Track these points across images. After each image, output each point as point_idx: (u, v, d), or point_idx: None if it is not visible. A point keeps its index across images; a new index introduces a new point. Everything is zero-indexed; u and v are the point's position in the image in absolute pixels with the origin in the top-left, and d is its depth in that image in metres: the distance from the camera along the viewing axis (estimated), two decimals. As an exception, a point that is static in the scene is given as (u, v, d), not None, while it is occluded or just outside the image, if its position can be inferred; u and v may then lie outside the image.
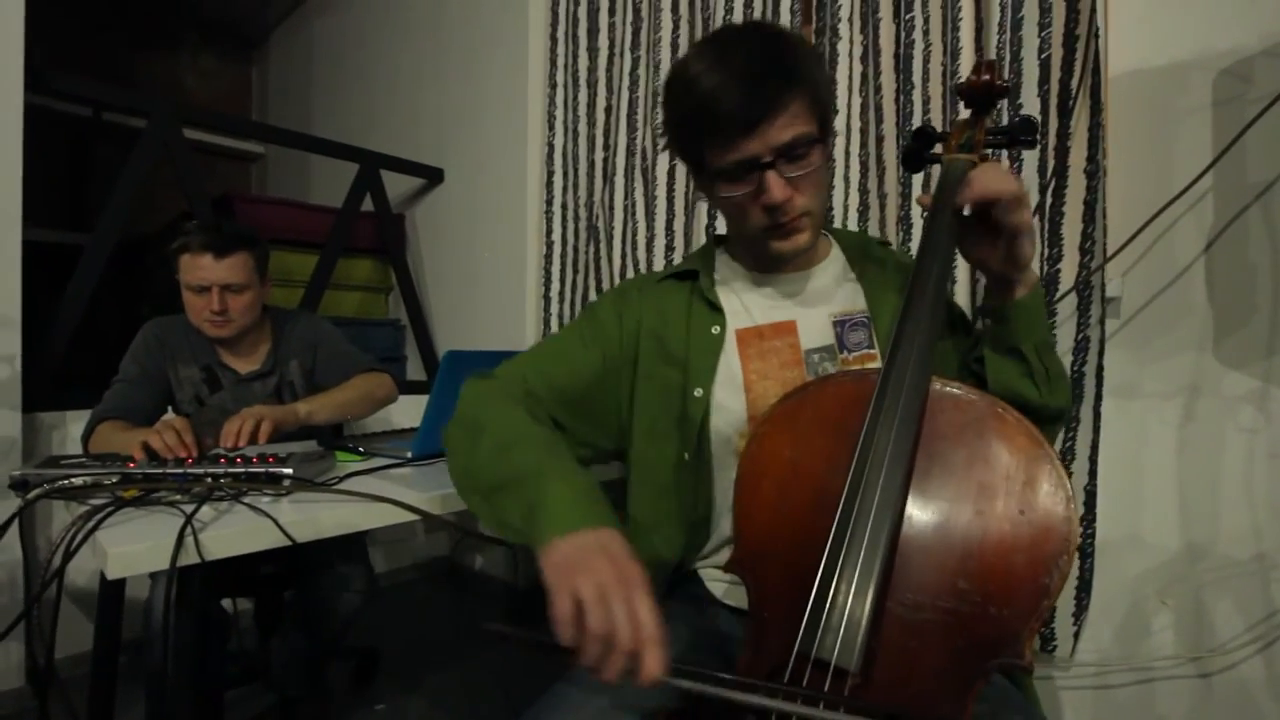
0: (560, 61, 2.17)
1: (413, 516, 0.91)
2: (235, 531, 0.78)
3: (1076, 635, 1.37)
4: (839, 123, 1.54)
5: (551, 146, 2.20)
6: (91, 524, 0.75)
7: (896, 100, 1.49)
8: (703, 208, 1.78)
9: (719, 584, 0.81)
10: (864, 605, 0.56)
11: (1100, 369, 1.30)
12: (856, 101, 1.54)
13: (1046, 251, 1.31)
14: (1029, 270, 0.73)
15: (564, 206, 2.19)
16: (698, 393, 0.80)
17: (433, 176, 2.68)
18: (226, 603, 1.37)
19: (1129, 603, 1.36)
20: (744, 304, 0.85)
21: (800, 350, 0.81)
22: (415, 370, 2.73)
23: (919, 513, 0.61)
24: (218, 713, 1.40)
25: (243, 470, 0.92)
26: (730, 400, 0.80)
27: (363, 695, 1.72)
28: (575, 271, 2.18)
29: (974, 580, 0.57)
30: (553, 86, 2.19)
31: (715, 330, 0.82)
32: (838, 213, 1.58)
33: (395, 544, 2.54)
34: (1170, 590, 1.32)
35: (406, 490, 0.96)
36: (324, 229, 2.45)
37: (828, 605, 0.57)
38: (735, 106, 0.68)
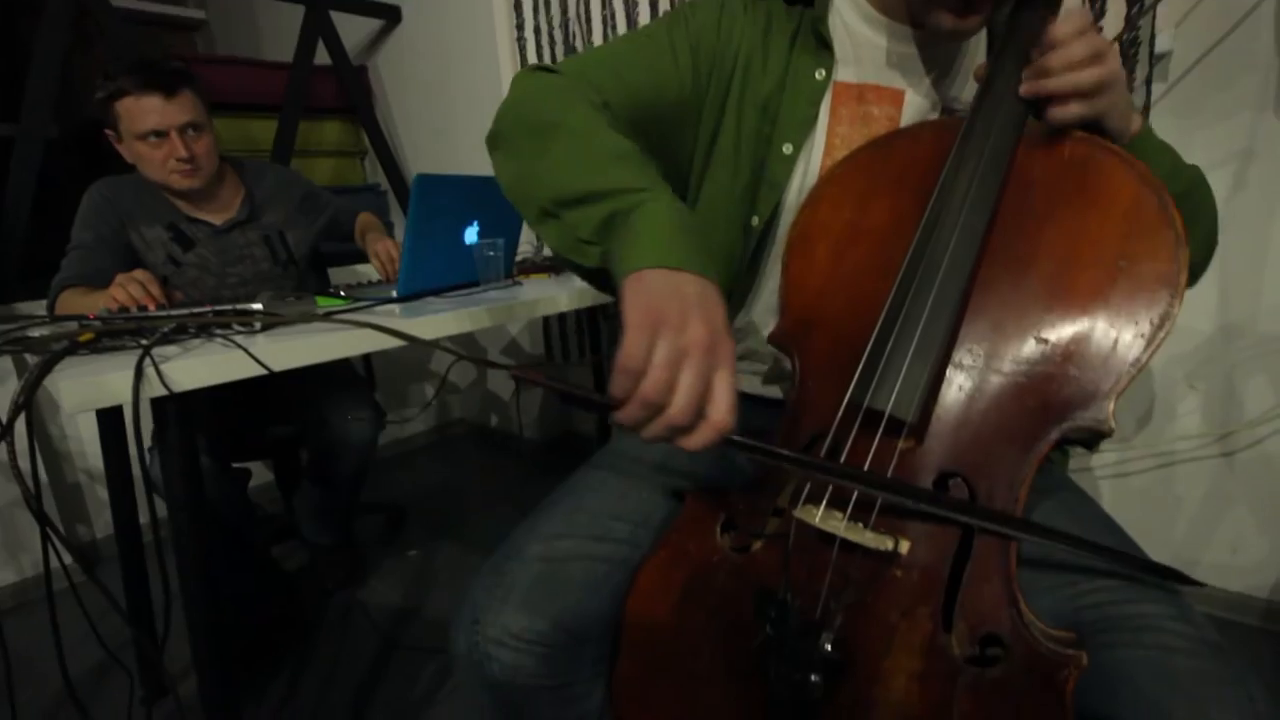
0: None
1: (397, 342, 0.84)
2: (204, 362, 0.72)
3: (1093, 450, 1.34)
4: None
5: (515, -42, 1.93)
6: (45, 360, 0.69)
7: None
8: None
9: (753, 378, 0.75)
10: (927, 358, 0.50)
11: (1143, 137, 1.17)
12: None
13: (1088, 2, 1.14)
14: (1128, 124, 0.57)
15: (537, 30, 1.96)
16: (786, 149, 0.67)
17: (389, 16, 2.40)
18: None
19: (1155, 389, 1.32)
20: (855, 50, 0.69)
21: (898, 126, 0.68)
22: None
23: (999, 261, 0.53)
24: (270, 563, 1.46)
25: (209, 309, 0.85)
26: (806, 164, 0.68)
27: (394, 544, 1.78)
28: (557, 105, 1.99)
29: (1055, 336, 0.50)
30: (508, -119, 1.88)
31: (819, 75, 0.67)
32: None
33: (410, 410, 2.56)
34: (1200, 373, 1.28)
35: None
36: (282, 89, 2.24)
37: (885, 357, 0.51)
38: None
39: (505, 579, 0.55)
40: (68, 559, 0.77)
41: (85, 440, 1.84)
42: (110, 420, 1.10)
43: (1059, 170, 0.55)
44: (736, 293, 0.73)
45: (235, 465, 1.34)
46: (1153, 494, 1.36)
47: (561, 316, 2.10)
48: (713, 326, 0.45)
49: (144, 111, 1.18)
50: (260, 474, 2.07)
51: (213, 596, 0.81)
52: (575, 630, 0.53)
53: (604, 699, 0.58)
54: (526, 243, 1.59)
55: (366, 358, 2.02)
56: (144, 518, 1.10)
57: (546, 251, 1.96)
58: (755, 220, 0.69)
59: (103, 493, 1.88)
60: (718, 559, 0.54)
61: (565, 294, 1.17)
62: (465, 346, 2.46)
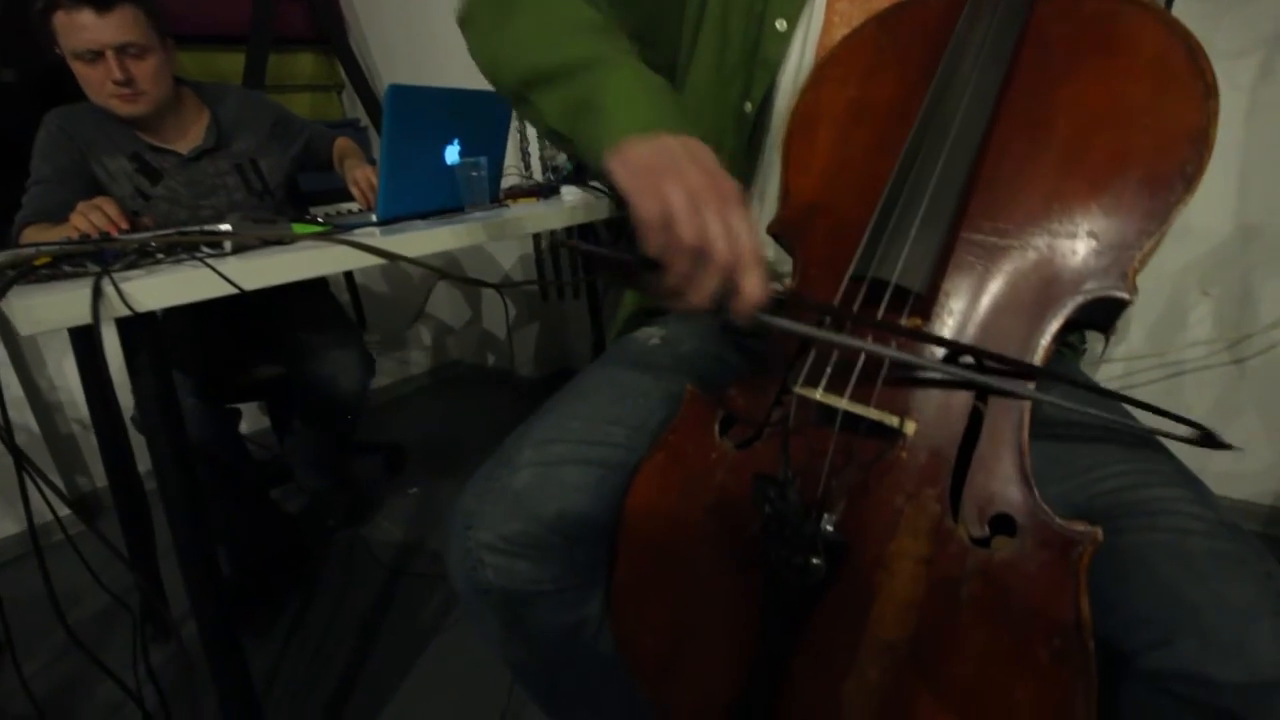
0: None
1: (375, 260, 0.80)
2: (168, 280, 0.68)
3: (1109, 335, 1.31)
4: None
5: None
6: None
7: None
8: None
9: None
10: (937, 225, 0.46)
11: (1166, 22, 1.09)
12: None
13: None
14: None
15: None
16: (780, 25, 0.63)
17: (357, -66, 2.25)
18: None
19: (1167, 296, 1.28)
20: None
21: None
22: (387, 174, 2.52)
23: (1014, 126, 0.49)
24: (269, 504, 1.44)
25: (175, 231, 0.80)
26: (803, 41, 0.64)
27: (394, 483, 1.78)
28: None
29: (1074, 200, 0.46)
30: None
31: None
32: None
33: (405, 351, 2.53)
34: (1214, 278, 1.23)
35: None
36: (248, 18, 2.12)
37: (891, 225, 0.47)
38: None
39: (497, 484, 0.53)
40: (63, 510, 0.75)
41: (75, 390, 1.81)
42: (89, 361, 1.07)
43: (1079, 27, 0.50)
44: (735, 175, 0.69)
45: (225, 407, 1.31)
46: (1161, 404, 1.33)
47: (554, 244, 2.03)
48: (708, 169, 0.44)
49: (76, 28, 1.09)
50: (257, 420, 2.06)
51: (205, 534, 0.79)
52: (569, 534, 0.51)
53: (603, 605, 0.56)
54: (512, 168, 1.52)
55: (356, 300, 1.98)
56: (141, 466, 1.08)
57: (536, 176, 1.88)
58: (749, 106, 0.65)
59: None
60: (716, 456, 0.51)
61: (555, 213, 1.12)
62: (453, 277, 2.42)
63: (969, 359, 0.47)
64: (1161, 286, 1.28)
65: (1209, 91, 0.45)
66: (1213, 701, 0.38)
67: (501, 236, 0.99)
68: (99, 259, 0.76)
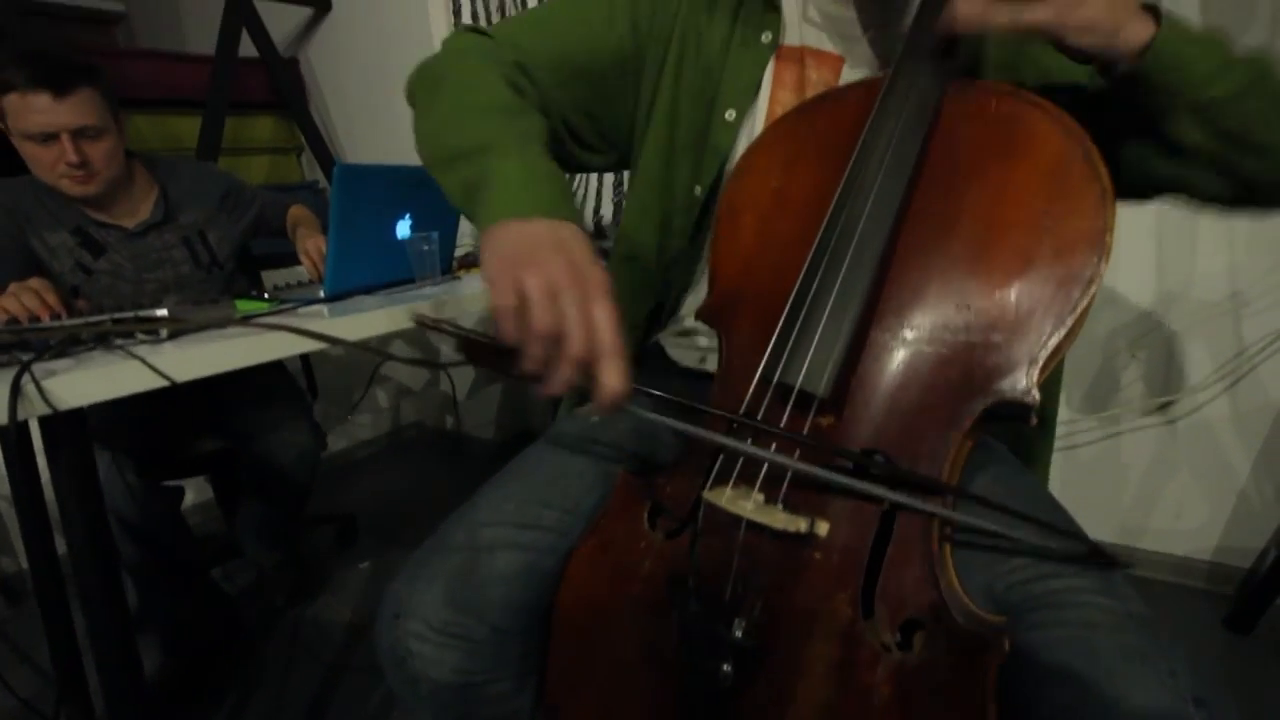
0: None
1: (318, 345, 0.79)
2: (96, 374, 0.66)
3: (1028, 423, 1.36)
4: None
5: (446, -60, 1.85)
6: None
7: None
8: None
9: (688, 351, 0.72)
10: (841, 329, 0.47)
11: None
12: None
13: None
14: (1111, 39, 0.48)
15: (475, 15, 1.90)
16: (729, 115, 0.65)
17: (319, 4, 2.30)
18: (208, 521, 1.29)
19: (1100, 360, 1.34)
20: (803, 11, 0.66)
21: None
22: (346, 236, 2.51)
23: (922, 226, 0.50)
24: (210, 586, 1.37)
25: (107, 318, 0.78)
26: (750, 131, 0.66)
27: (345, 556, 1.71)
28: (497, 94, 1.93)
29: (978, 302, 0.47)
30: None
31: (766, 39, 0.65)
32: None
33: (363, 414, 2.47)
34: (1141, 342, 1.30)
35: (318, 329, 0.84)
36: (207, 83, 2.13)
37: (797, 328, 0.48)
38: None
39: (427, 570, 0.52)
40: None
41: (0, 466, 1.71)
42: (13, 450, 1.01)
43: (984, 128, 0.52)
44: (681, 265, 0.70)
45: (168, 484, 1.26)
46: (1101, 464, 1.38)
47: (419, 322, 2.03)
48: (571, 258, 0.44)
49: (30, 111, 1.07)
50: (202, 490, 1.97)
51: (125, 634, 0.75)
52: (498, 623, 0.50)
53: (535, 696, 0.55)
54: (468, 236, 1.53)
55: (308, 367, 1.94)
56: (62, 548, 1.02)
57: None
58: (698, 189, 0.67)
59: (26, 519, 1.76)
60: (645, 545, 0.51)
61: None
62: (405, 346, 2.39)
63: (877, 464, 0.47)
64: (1094, 349, 1.34)
65: (1105, 194, 0.46)
66: None
67: (451, 315, 0.99)
68: (24, 349, 0.73)
